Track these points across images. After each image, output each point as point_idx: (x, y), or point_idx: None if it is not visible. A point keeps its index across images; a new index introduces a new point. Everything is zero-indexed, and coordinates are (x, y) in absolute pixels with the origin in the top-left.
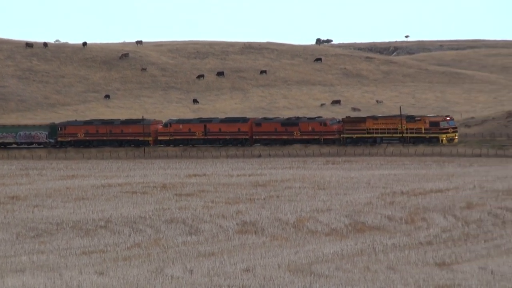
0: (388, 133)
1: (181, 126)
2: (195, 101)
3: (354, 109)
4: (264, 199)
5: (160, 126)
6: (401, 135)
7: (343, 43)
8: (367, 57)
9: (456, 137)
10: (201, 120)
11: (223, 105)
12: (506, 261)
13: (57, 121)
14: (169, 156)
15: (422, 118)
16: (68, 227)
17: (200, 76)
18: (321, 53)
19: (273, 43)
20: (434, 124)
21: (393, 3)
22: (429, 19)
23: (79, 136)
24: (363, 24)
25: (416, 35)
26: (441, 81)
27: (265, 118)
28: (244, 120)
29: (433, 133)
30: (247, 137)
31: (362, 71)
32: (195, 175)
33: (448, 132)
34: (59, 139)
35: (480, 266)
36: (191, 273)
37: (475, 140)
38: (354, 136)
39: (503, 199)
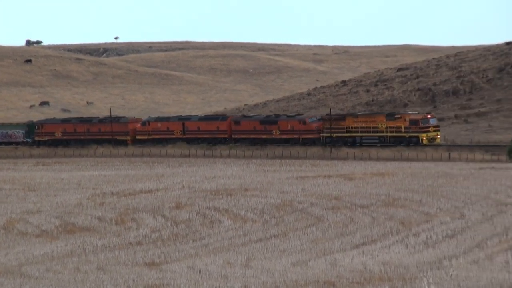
0: (368, 132)
1: (159, 125)
2: None
3: (64, 110)
4: None
5: (139, 125)
6: (381, 134)
7: (53, 45)
8: (77, 59)
9: (438, 136)
10: (179, 118)
11: None
12: (214, 260)
13: None
14: None
15: (402, 116)
16: None
17: None
18: (31, 55)
19: None
20: (414, 122)
21: (102, 4)
22: (138, 21)
23: (57, 135)
24: (73, 25)
25: (126, 37)
26: (151, 82)
27: (244, 116)
28: (223, 118)
29: (413, 132)
30: (226, 136)
31: (72, 73)
32: None
33: (428, 131)
34: (36, 138)
35: (188, 265)
36: None
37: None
38: (334, 135)
39: (211, 199)
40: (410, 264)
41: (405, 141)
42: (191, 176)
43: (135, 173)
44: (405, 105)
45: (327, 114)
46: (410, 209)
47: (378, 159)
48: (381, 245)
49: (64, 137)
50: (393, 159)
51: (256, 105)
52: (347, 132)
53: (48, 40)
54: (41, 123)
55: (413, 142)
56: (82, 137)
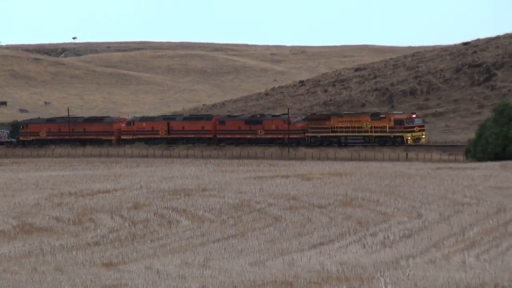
0: (352, 131)
1: (144, 124)
2: None
3: (21, 110)
4: None
5: (124, 125)
6: (366, 134)
7: (11, 44)
8: (35, 59)
9: (423, 136)
10: (164, 118)
11: None
12: (171, 260)
13: None
14: None
15: (386, 116)
16: None
17: None
18: None
19: None
20: (399, 122)
21: (60, 4)
22: (96, 21)
23: (41, 135)
24: (31, 25)
25: (84, 37)
26: (109, 82)
27: (229, 116)
28: (208, 118)
29: (397, 131)
30: (211, 136)
31: (30, 73)
32: None
33: (413, 131)
34: (21, 138)
35: (146, 265)
36: None
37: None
38: (319, 135)
39: (168, 199)
40: (368, 264)
41: (389, 141)
42: (149, 176)
43: (93, 173)
44: (363, 105)
45: (312, 114)
46: (368, 209)
47: (335, 159)
48: (339, 245)
49: (49, 137)
50: (351, 159)
51: (214, 105)
52: (332, 132)
53: (5, 40)
54: (26, 123)
55: (398, 142)
56: (67, 137)
